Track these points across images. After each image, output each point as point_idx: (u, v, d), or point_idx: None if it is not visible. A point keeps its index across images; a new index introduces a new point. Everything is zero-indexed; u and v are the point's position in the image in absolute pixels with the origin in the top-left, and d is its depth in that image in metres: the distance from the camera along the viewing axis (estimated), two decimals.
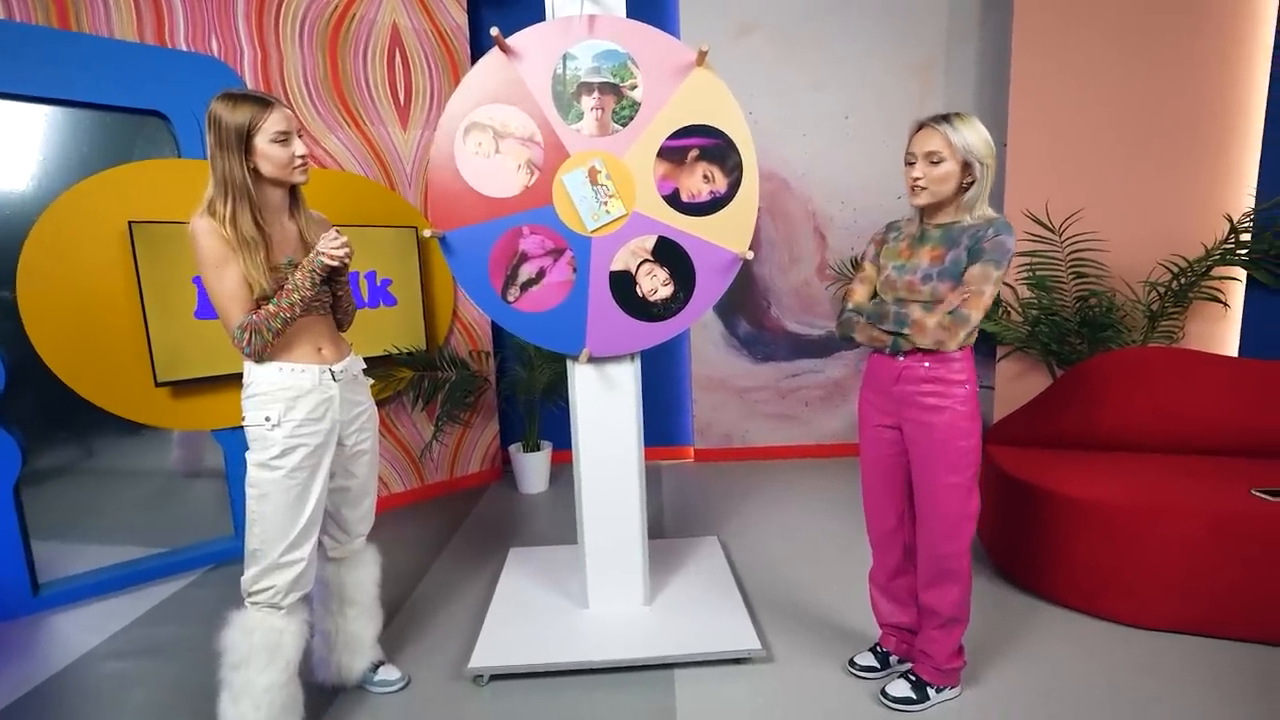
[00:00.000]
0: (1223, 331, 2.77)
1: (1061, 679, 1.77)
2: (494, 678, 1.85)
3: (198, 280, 2.39)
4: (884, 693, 1.68)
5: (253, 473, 1.47)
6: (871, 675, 1.81)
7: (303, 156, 1.47)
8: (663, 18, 3.49)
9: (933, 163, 1.48)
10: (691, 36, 3.43)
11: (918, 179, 1.51)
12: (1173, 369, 2.33)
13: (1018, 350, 3.03)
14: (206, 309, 2.42)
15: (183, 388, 2.45)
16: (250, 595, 1.50)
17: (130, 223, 2.26)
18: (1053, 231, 2.87)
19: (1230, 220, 2.61)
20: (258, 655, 1.46)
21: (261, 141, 1.41)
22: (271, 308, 1.42)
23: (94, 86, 2.29)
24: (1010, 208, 3.03)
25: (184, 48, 2.50)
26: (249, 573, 1.50)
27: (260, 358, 1.46)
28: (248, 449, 1.49)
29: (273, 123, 1.41)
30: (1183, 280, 2.66)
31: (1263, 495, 1.89)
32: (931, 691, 1.67)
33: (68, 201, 2.23)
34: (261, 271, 1.42)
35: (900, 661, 1.83)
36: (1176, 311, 2.74)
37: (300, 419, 1.48)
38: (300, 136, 1.47)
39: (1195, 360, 2.35)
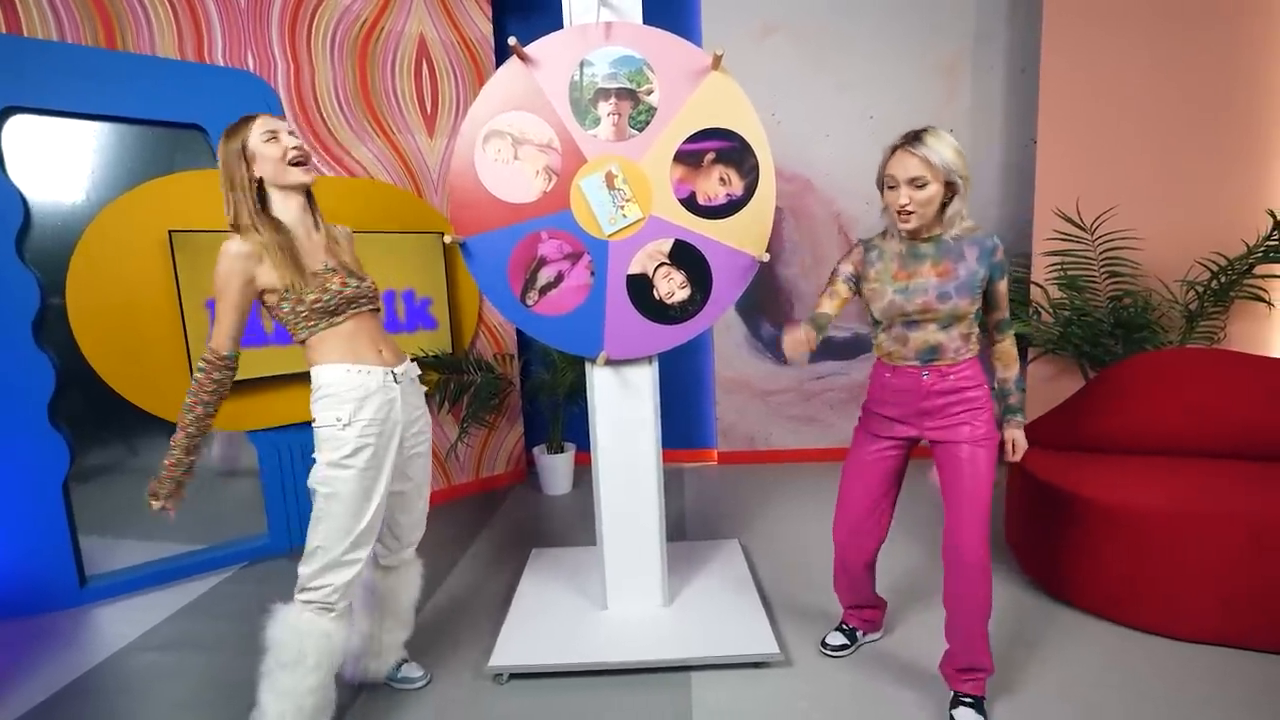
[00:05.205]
0: (1268, 331, 2.65)
1: (1094, 690, 1.72)
2: (513, 676, 1.87)
3: (210, 304, 2.43)
4: None
5: (323, 471, 1.50)
6: (842, 654, 1.90)
7: (296, 147, 1.50)
8: (684, 19, 3.50)
9: (918, 187, 1.45)
10: (713, 38, 3.44)
11: (905, 205, 1.47)
12: (1209, 370, 2.25)
13: (1050, 352, 2.95)
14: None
15: None
16: (304, 591, 1.51)
17: (170, 232, 2.36)
18: (1084, 230, 2.79)
19: (1273, 215, 2.50)
20: (308, 658, 1.48)
21: (255, 145, 1.48)
22: (190, 400, 1.45)
23: (138, 102, 2.40)
24: (1040, 206, 2.96)
25: (221, 63, 2.61)
26: (308, 569, 1.51)
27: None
28: (315, 450, 1.52)
29: (259, 125, 1.49)
30: (1223, 279, 2.56)
31: None
32: (986, 705, 1.62)
33: (112, 213, 2.34)
34: (290, 269, 1.46)
35: (865, 636, 1.94)
36: (1217, 311, 2.64)
37: (368, 418, 1.52)
38: (292, 134, 1.52)
39: (1232, 361, 2.26)
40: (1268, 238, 2.49)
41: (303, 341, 1.55)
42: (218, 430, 2.66)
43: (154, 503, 1.46)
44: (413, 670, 1.87)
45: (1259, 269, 2.53)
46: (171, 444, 1.46)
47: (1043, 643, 1.93)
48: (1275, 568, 1.77)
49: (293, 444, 2.79)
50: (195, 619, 2.29)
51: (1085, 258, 2.81)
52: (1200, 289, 2.61)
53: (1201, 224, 2.67)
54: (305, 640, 1.48)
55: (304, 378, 1.60)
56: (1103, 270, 2.79)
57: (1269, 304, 2.59)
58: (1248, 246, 2.54)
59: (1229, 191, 2.64)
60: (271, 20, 2.72)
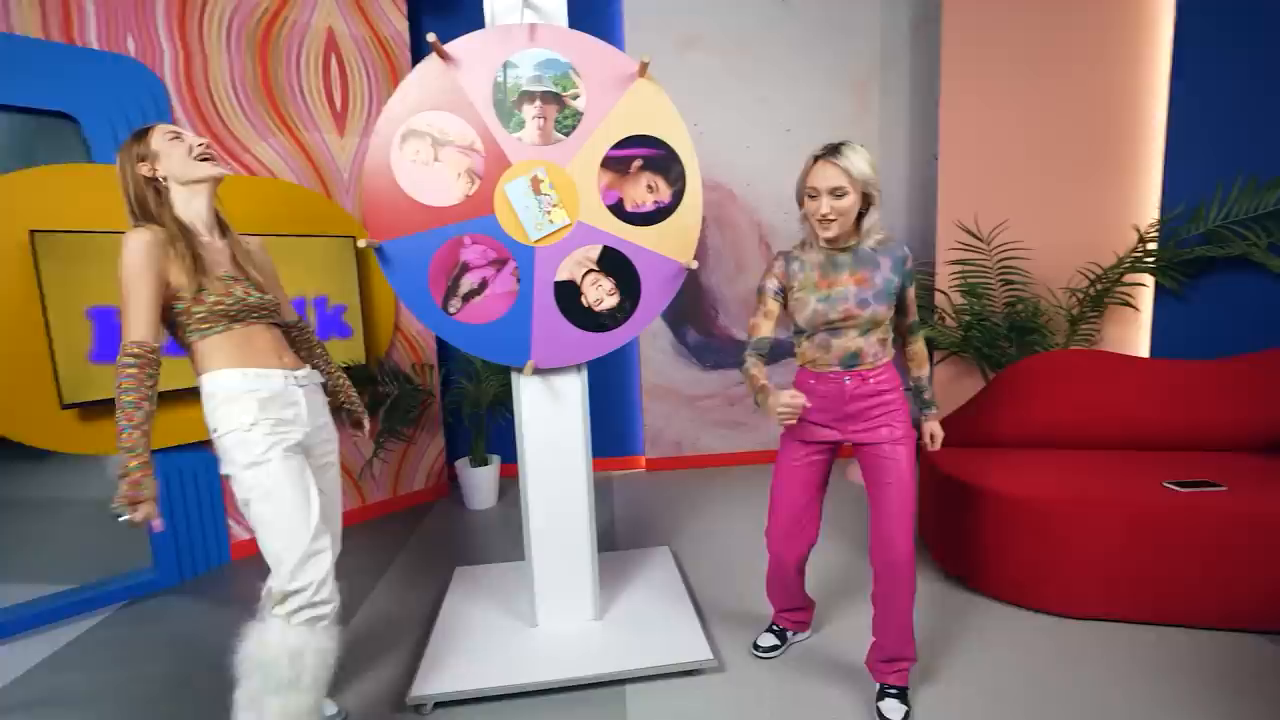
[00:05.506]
0: (1134, 334, 2.95)
1: (1001, 671, 1.83)
2: (438, 705, 1.77)
3: (92, 313, 2.21)
4: None
5: (244, 478, 1.39)
6: (773, 654, 1.94)
7: (202, 144, 1.47)
8: (606, 29, 3.50)
9: (838, 196, 1.50)
10: (635, 48, 3.46)
11: (827, 214, 1.51)
12: (1093, 370, 2.48)
13: (953, 354, 3.15)
14: (105, 351, 2.24)
15: (93, 409, 2.27)
16: (286, 600, 1.40)
17: (32, 232, 2.09)
18: (982, 241, 3.00)
19: (1138, 230, 2.79)
20: (303, 677, 1.39)
21: (157, 145, 1.43)
22: (134, 397, 1.29)
23: None
24: (942, 218, 3.16)
25: (95, 45, 2.34)
26: (279, 576, 1.40)
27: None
28: (224, 462, 1.41)
29: (158, 132, 1.45)
30: (1098, 286, 2.83)
31: (1173, 488, 2.01)
32: (909, 695, 1.69)
33: None
34: (189, 267, 1.39)
35: (794, 635, 1.99)
36: (1094, 316, 2.91)
37: (275, 418, 1.44)
38: (195, 135, 1.51)
39: (1112, 361, 2.50)
40: (1133, 250, 2.78)
41: (189, 345, 1.44)
42: (95, 455, 2.36)
43: (136, 512, 1.25)
44: (327, 707, 1.73)
45: (1128, 277, 2.82)
46: (131, 447, 1.27)
47: (957, 631, 2.03)
48: (1149, 547, 1.95)
49: (183, 466, 2.54)
50: (65, 670, 2.02)
51: (983, 266, 3.02)
52: (1080, 295, 2.87)
53: (1080, 237, 2.94)
54: (300, 658, 1.38)
55: (196, 393, 1.46)
56: (998, 278, 3.01)
57: (1134, 308, 2.88)
58: (1118, 257, 2.82)
59: (1102, 208, 2.93)
60: (156, 1, 2.48)
